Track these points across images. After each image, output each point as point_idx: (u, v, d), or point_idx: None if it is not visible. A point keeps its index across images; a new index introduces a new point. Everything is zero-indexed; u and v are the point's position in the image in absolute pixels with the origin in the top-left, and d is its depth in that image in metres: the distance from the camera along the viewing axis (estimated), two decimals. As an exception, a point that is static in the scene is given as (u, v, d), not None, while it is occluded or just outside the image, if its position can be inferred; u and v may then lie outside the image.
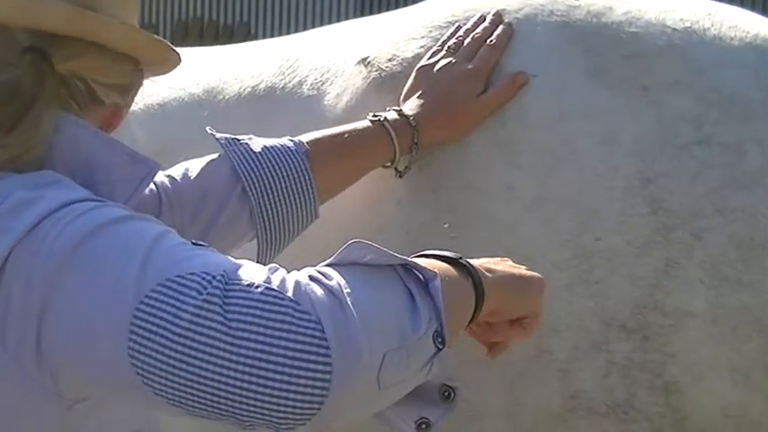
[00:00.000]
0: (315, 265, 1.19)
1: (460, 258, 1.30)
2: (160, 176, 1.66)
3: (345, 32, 2.07)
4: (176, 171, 1.68)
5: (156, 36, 1.44)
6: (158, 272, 1.13)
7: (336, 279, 1.14)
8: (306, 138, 1.75)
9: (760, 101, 1.67)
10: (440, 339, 1.19)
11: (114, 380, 1.16)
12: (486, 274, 1.32)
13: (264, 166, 1.68)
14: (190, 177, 1.66)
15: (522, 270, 1.42)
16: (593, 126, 1.67)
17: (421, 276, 1.21)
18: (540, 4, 1.81)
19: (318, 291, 1.12)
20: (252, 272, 1.14)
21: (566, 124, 1.68)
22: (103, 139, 1.35)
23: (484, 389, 1.69)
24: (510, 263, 1.43)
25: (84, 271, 1.14)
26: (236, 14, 13.17)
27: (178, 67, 2.18)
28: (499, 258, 1.43)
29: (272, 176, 1.68)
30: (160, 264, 1.14)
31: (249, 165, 1.67)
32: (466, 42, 1.81)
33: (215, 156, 1.70)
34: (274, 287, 1.11)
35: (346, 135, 1.75)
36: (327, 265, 1.18)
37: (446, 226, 1.69)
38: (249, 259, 1.67)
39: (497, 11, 1.83)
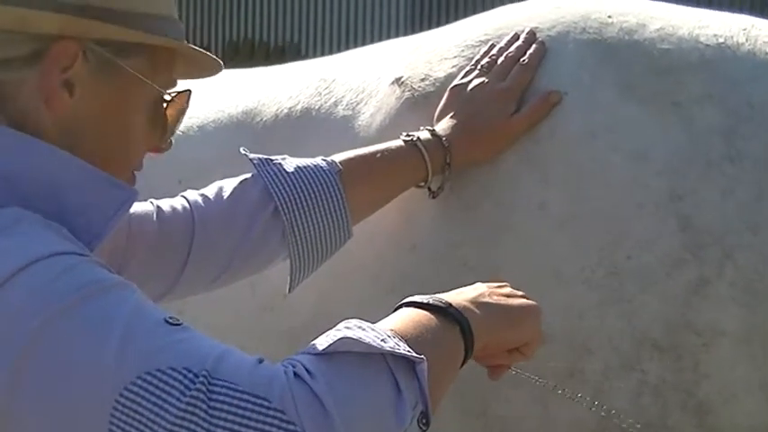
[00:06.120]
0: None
1: (449, 307, 1.29)
2: (193, 195, 1.69)
3: (381, 52, 2.08)
4: (210, 190, 1.70)
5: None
6: (138, 359, 1.08)
7: (322, 381, 1.11)
8: (338, 157, 1.76)
9: (792, 115, 1.65)
10: (424, 420, 1.20)
11: None
12: (476, 311, 1.32)
13: (297, 185, 1.69)
14: (223, 197, 1.68)
15: (516, 299, 1.41)
16: (623, 143, 1.67)
17: (408, 360, 1.19)
18: (572, 21, 1.81)
19: (304, 396, 1.09)
20: (235, 369, 1.11)
21: (596, 141, 1.68)
22: (70, 160, 1.25)
23: (517, 406, 1.69)
24: (507, 289, 1.42)
25: (54, 352, 1.08)
26: (286, 35, 13.27)
27: (219, 90, 2.22)
28: (496, 284, 1.42)
29: (304, 196, 1.69)
30: (140, 348, 1.09)
31: (282, 184, 1.68)
32: (499, 61, 1.81)
33: (248, 175, 1.71)
34: (260, 393, 1.09)
35: (379, 155, 1.76)
36: (317, 354, 1.15)
37: None
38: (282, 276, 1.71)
39: (530, 29, 1.83)
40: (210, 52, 1.42)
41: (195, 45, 1.40)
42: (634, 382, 1.63)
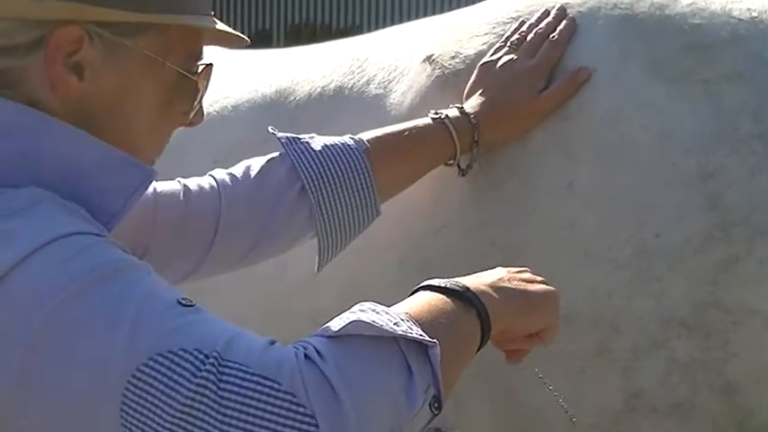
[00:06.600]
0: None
1: (466, 291, 1.27)
2: (220, 174, 1.69)
3: (414, 31, 2.07)
4: (237, 169, 1.70)
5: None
6: (150, 341, 1.08)
7: (333, 364, 1.10)
8: (366, 135, 1.75)
9: (825, 92, 1.61)
10: (436, 405, 1.18)
11: None
12: (494, 296, 1.30)
13: (324, 163, 1.69)
14: (250, 175, 1.68)
15: (535, 285, 1.39)
16: (651, 121, 1.63)
17: (420, 343, 1.18)
18: (604, -4, 1.78)
19: (314, 379, 1.09)
20: (246, 351, 1.10)
21: (624, 120, 1.65)
22: (87, 139, 1.24)
23: (545, 388, 1.68)
24: (527, 275, 1.40)
25: (67, 334, 1.09)
26: (348, 17, 13.27)
27: (254, 70, 2.22)
28: (516, 269, 1.41)
29: (331, 174, 1.69)
30: (151, 330, 1.09)
31: (309, 163, 1.68)
32: (529, 38, 1.79)
33: (276, 154, 1.71)
34: (270, 375, 1.08)
35: (406, 133, 1.75)
36: (329, 336, 1.14)
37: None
38: (311, 257, 1.72)
39: (561, 5, 1.80)
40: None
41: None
42: (663, 361, 1.60)
